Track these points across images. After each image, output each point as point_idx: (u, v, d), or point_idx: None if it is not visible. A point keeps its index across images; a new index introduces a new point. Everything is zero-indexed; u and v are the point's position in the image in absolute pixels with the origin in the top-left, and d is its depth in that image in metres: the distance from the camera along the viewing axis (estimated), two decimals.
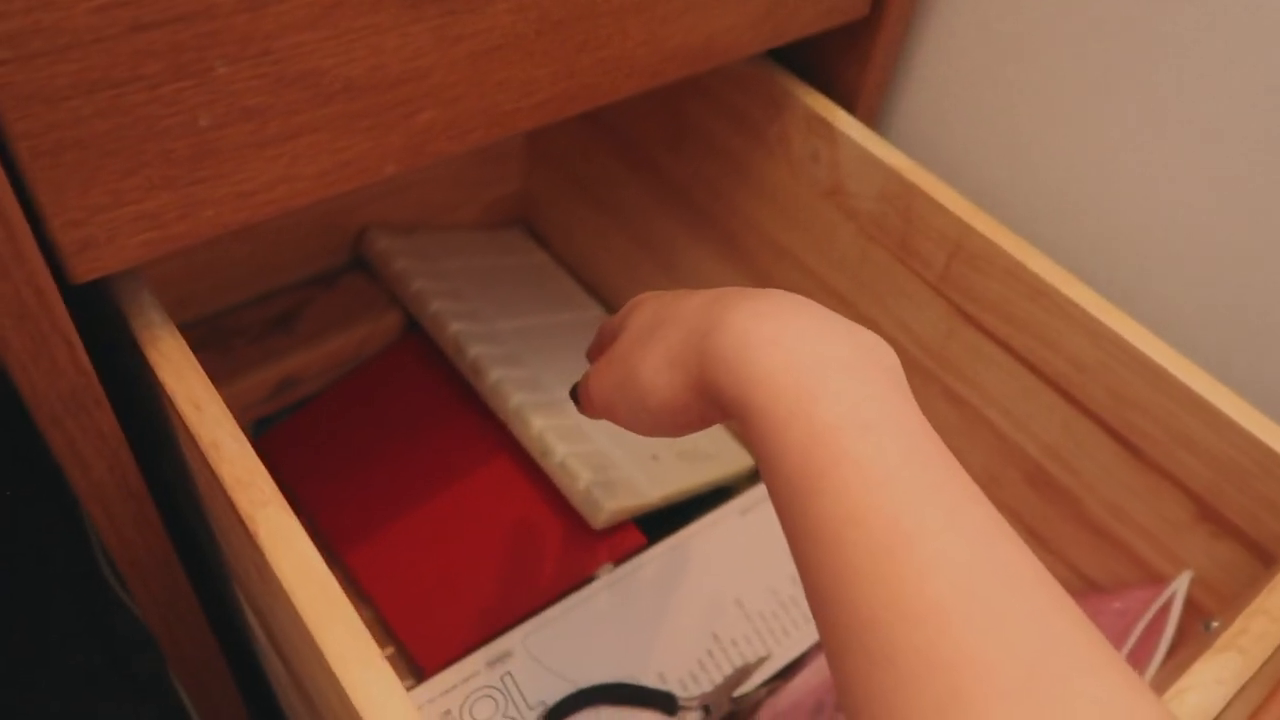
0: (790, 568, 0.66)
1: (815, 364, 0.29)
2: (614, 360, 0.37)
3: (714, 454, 0.73)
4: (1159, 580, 0.49)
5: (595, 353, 0.46)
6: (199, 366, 0.38)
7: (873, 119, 0.61)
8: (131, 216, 0.33)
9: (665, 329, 0.34)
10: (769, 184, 0.61)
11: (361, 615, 0.66)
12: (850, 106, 0.57)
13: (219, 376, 0.68)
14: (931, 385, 0.57)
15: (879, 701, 0.24)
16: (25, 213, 0.31)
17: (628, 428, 0.37)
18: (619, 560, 0.63)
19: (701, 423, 0.34)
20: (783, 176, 0.59)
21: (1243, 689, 0.35)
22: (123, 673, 0.76)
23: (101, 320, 0.42)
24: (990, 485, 0.57)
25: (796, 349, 0.30)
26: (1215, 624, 0.42)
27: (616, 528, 0.65)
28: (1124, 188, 0.54)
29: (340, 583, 0.67)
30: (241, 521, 0.35)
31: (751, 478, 0.74)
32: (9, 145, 0.29)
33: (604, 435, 0.69)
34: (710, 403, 0.32)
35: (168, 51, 0.31)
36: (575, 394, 0.44)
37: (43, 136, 0.30)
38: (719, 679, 0.61)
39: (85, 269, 0.33)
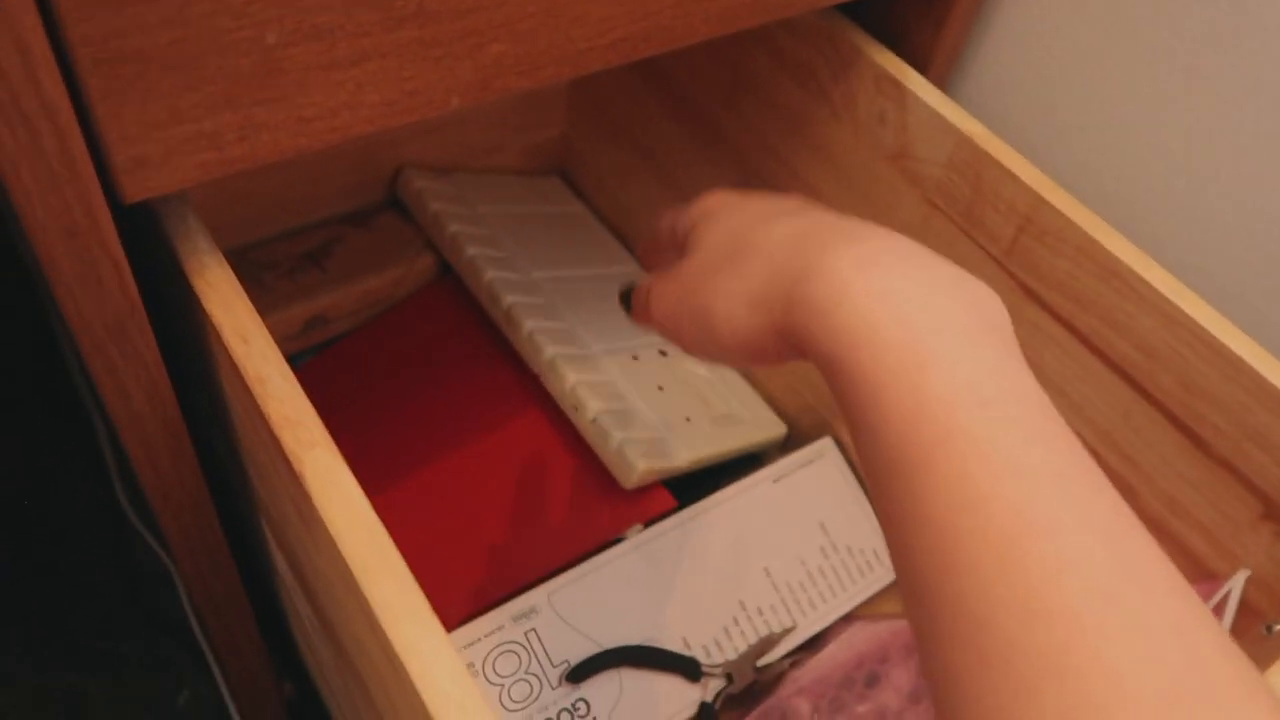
0: (820, 539, 0.65)
1: (926, 323, 0.26)
2: (683, 282, 0.34)
3: (748, 419, 0.71)
4: (1213, 578, 0.48)
5: (649, 254, 0.42)
6: (246, 298, 0.37)
7: (944, 82, 0.58)
8: (189, 135, 0.31)
9: (746, 261, 0.31)
10: (830, 145, 0.58)
11: None
12: (922, 68, 0.54)
13: None
14: None
15: (990, 705, 0.22)
16: (80, 125, 0.29)
17: (689, 352, 0.35)
18: (648, 522, 0.62)
19: (777, 361, 0.31)
20: (845, 137, 0.57)
21: None
22: (143, 608, 0.76)
23: (144, 245, 0.40)
24: None
25: (905, 304, 0.27)
26: (1277, 627, 0.41)
27: (647, 489, 0.63)
28: (1211, 168, 0.52)
29: None
30: (287, 462, 0.33)
31: (784, 445, 0.73)
32: (69, 51, 0.28)
33: (637, 394, 0.67)
34: (791, 347, 0.30)
35: None
36: (627, 299, 0.41)
37: (103, 44, 0.28)
38: (743, 647, 0.60)
39: (137, 188, 0.32)
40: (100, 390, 0.36)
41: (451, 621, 0.58)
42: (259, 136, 0.33)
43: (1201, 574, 0.49)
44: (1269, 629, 0.41)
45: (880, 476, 0.26)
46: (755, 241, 0.31)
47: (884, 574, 0.66)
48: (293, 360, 0.71)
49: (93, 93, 0.29)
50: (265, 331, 0.36)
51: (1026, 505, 0.23)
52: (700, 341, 0.33)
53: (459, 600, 0.60)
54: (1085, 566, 0.23)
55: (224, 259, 0.37)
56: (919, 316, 0.26)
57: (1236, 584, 0.46)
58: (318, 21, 0.32)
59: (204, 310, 0.36)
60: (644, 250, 0.43)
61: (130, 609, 0.75)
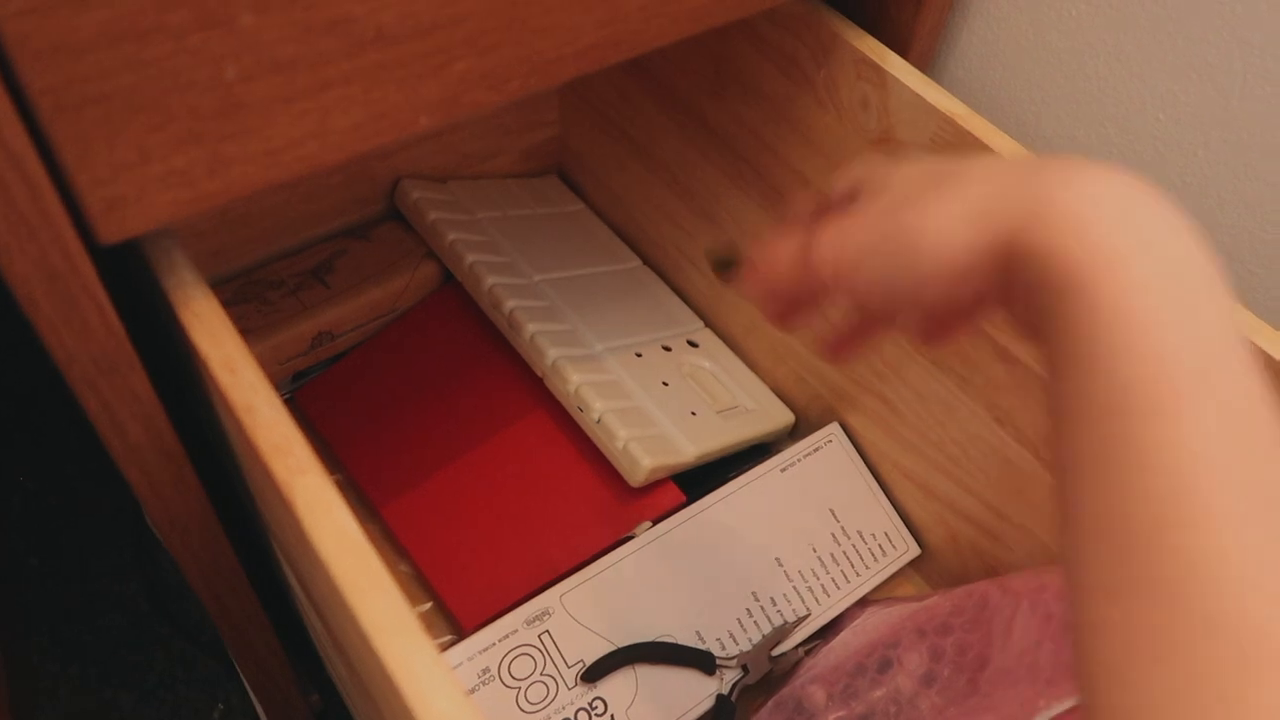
0: (830, 525, 0.65)
1: (1200, 265, 0.26)
2: (873, 216, 0.32)
3: (754, 410, 0.71)
4: None
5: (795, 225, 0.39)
6: (233, 328, 0.37)
7: (926, 63, 0.58)
8: (159, 174, 0.32)
9: (962, 184, 0.30)
10: (815, 131, 0.58)
11: (399, 571, 0.66)
12: (903, 50, 0.54)
13: (256, 330, 0.68)
14: (982, 342, 0.55)
15: (1182, 668, 0.22)
16: (50, 171, 0.30)
17: (863, 293, 0.32)
18: (658, 518, 0.63)
19: (971, 300, 0.30)
20: (830, 123, 0.57)
21: None
22: (170, 618, 0.77)
23: (136, 276, 0.41)
24: (1041, 446, 0.55)
25: (1180, 240, 0.26)
26: None
27: (655, 485, 0.64)
28: (1201, 141, 0.51)
29: (377, 538, 0.67)
30: (278, 489, 0.34)
31: (792, 434, 0.73)
32: (30, 101, 0.28)
33: (642, 391, 0.67)
34: (1001, 274, 0.28)
35: None
36: (724, 263, 0.38)
37: (65, 91, 0.29)
38: (757, 638, 0.60)
39: (113, 229, 0.32)
40: (95, 425, 0.37)
41: (469, 625, 0.59)
42: (229, 171, 0.33)
43: None
44: None
45: (1093, 410, 0.25)
46: (971, 169, 0.30)
47: (896, 557, 0.66)
48: (303, 376, 0.72)
49: (58, 140, 0.29)
50: (253, 361, 0.37)
51: (1268, 472, 0.23)
52: (892, 270, 0.31)
53: (475, 605, 0.60)
54: None
55: (209, 290, 0.38)
56: (1194, 256, 0.26)
57: None
58: (277, 54, 0.32)
59: (191, 342, 0.37)
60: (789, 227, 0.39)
61: (157, 619, 0.77)
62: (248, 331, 0.68)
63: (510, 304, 0.68)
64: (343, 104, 0.34)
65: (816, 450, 0.67)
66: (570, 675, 0.56)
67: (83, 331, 0.34)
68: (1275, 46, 0.46)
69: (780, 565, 0.63)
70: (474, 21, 0.36)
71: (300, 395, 0.71)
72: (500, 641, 0.55)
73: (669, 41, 0.43)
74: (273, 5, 0.31)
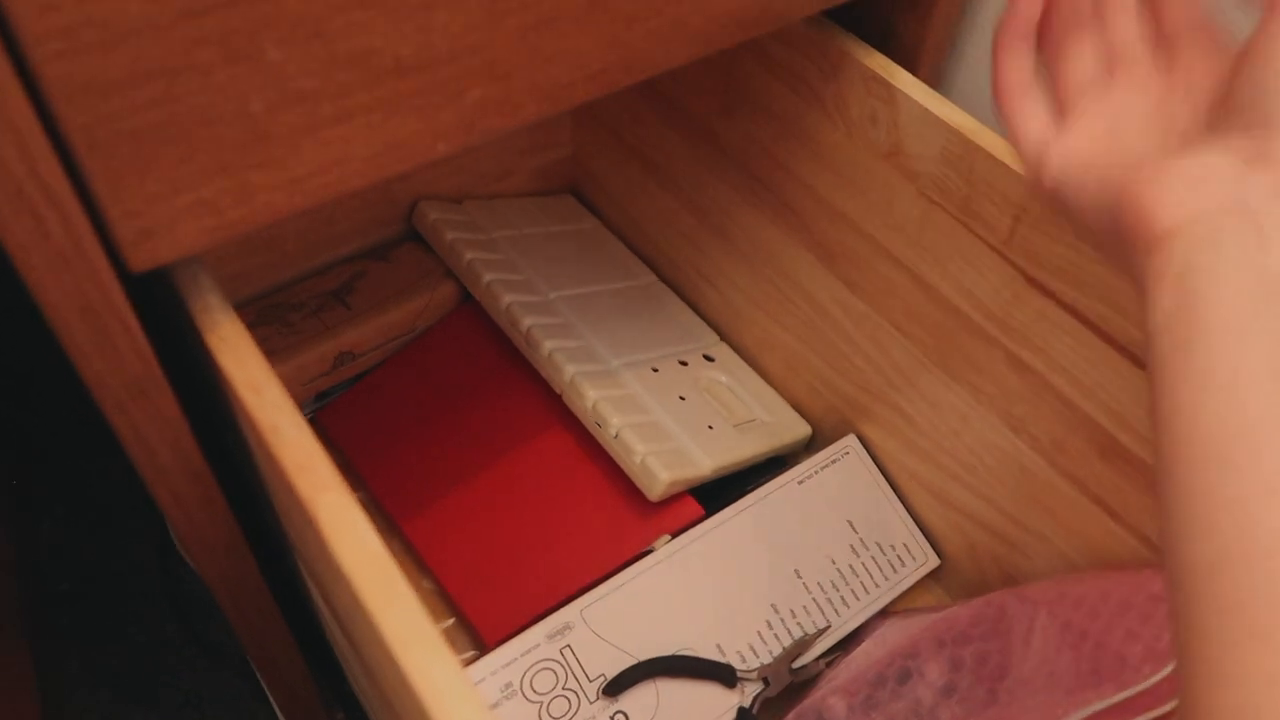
0: (849, 537, 0.65)
1: None
2: None
3: (771, 422, 0.72)
4: None
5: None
6: (258, 350, 0.38)
7: (934, 78, 0.58)
8: (188, 205, 0.33)
9: None
10: (825, 147, 0.59)
11: (422, 587, 0.67)
12: (911, 65, 0.55)
13: (279, 351, 0.69)
14: (994, 351, 0.56)
15: None
16: (83, 204, 0.31)
17: None
18: (676, 532, 0.63)
19: None
20: (840, 139, 0.58)
21: None
22: (196, 637, 0.79)
23: (162, 300, 0.42)
24: (1056, 453, 0.55)
25: None
26: None
27: (673, 499, 0.64)
28: None
29: (400, 554, 0.67)
30: (302, 505, 0.35)
31: (809, 446, 0.73)
32: (66, 138, 0.29)
33: (659, 406, 0.68)
34: None
35: (219, 37, 0.31)
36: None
37: (98, 128, 0.30)
38: (778, 650, 0.60)
39: (143, 259, 0.33)
40: (126, 447, 0.38)
41: (492, 640, 0.60)
42: (255, 200, 0.35)
43: None
44: None
45: None
46: None
47: (915, 568, 0.66)
48: (325, 396, 0.74)
49: (92, 174, 0.31)
50: (277, 381, 0.38)
51: None
52: None
53: (498, 620, 0.61)
54: None
55: (234, 314, 0.39)
56: None
57: None
58: (300, 86, 0.33)
59: (217, 364, 0.38)
60: None
61: (183, 638, 0.78)
62: (271, 353, 0.69)
63: (528, 321, 0.69)
64: (364, 133, 0.35)
65: (834, 462, 0.68)
66: (592, 689, 0.56)
67: (113, 357, 0.35)
68: None
69: (799, 577, 0.63)
70: (488, 51, 0.37)
71: (323, 415, 0.72)
72: (522, 656, 0.56)
73: (678, 64, 0.44)
74: (297, 39, 0.32)
